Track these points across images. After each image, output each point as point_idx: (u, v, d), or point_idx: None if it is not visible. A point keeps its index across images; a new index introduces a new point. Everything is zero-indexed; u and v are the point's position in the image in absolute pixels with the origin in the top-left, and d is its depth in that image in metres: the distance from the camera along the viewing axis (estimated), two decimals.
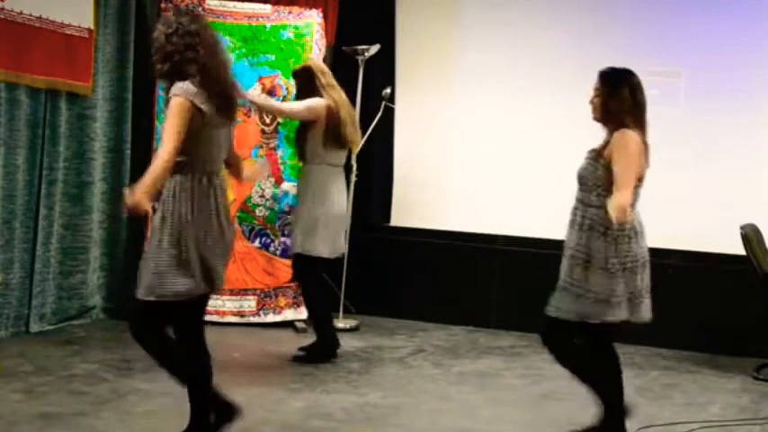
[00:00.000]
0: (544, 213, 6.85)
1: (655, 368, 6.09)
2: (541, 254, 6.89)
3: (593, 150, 4.21)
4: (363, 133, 6.49)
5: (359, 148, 6.48)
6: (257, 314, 6.72)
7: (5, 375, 5.01)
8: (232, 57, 6.20)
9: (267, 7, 6.84)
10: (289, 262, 6.29)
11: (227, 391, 4.02)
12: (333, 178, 5.82)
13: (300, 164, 5.97)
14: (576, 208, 4.22)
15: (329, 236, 5.75)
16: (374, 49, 6.93)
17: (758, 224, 6.12)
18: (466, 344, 6.64)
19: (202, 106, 3.68)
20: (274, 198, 6.73)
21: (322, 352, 5.79)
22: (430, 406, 5.00)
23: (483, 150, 7.37)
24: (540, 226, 6.90)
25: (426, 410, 4.91)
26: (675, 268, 6.44)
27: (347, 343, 6.14)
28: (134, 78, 6.76)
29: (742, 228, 5.92)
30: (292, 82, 6.25)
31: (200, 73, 3.72)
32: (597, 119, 4.24)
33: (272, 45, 6.76)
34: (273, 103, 6.24)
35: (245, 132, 6.58)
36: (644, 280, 4.18)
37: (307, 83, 5.81)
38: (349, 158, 6.21)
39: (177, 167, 3.71)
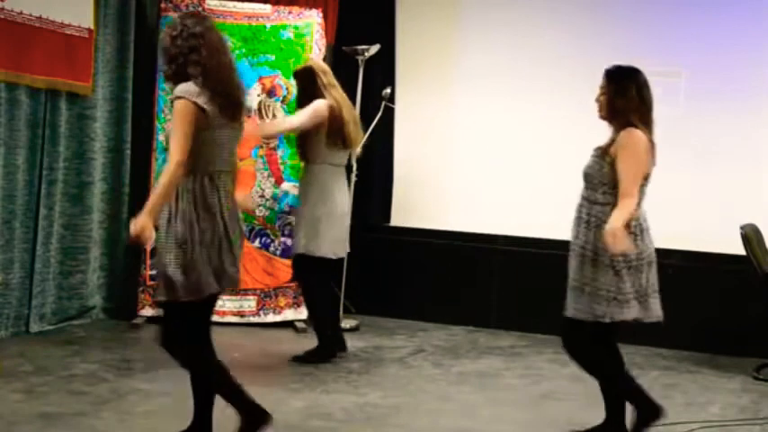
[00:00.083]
0: (544, 213, 6.86)
1: (655, 368, 6.09)
2: (541, 254, 6.91)
3: (599, 148, 4.19)
4: (363, 133, 6.48)
5: (360, 148, 6.47)
6: (257, 314, 6.72)
7: (5, 375, 5.01)
8: None
9: (267, 7, 6.84)
10: (289, 262, 6.28)
11: None
12: (335, 178, 5.81)
13: (302, 164, 5.96)
14: (581, 205, 4.20)
15: (332, 236, 5.74)
16: (374, 49, 6.93)
17: (758, 224, 6.12)
18: (466, 344, 6.64)
19: (205, 106, 3.69)
20: (274, 198, 6.74)
21: (323, 353, 5.79)
22: (430, 406, 5.00)
23: (483, 150, 7.37)
24: (540, 226, 6.91)
25: (426, 410, 4.91)
26: (675, 268, 6.43)
27: (347, 343, 6.13)
28: (134, 78, 6.76)
29: (742, 228, 5.92)
30: (293, 82, 6.25)
31: (203, 74, 3.73)
32: (603, 117, 4.22)
33: (272, 45, 6.76)
34: (282, 125, 6.26)
35: (245, 132, 6.56)
36: (650, 279, 4.16)
37: (308, 83, 5.80)
38: (349, 158, 6.20)
39: None
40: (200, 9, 6.54)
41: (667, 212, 6.20)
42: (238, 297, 6.64)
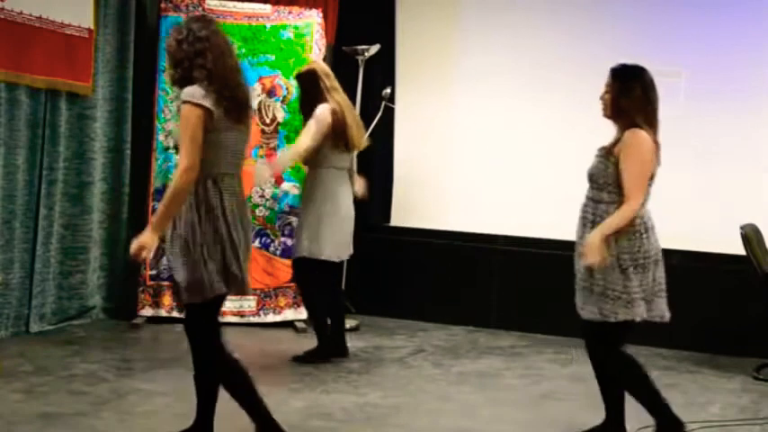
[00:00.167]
0: (544, 213, 6.87)
1: (655, 368, 6.06)
2: (541, 254, 6.91)
3: (603, 148, 4.18)
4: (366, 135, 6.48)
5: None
6: (257, 314, 6.72)
7: (5, 375, 5.01)
8: None
9: (267, 7, 6.84)
10: (289, 262, 6.28)
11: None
12: (339, 181, 5.79)
13: (305, 168, 5.94)
14: (586, 206, 4.19)
15: (336, 239, 5.72)
16: (374, 49, 6.93)
17: (758, 224, 6.12)
18: (466, 344, 6.64)
19: (211, 108, 3.70)
20: (274, 198, 6.73)
21: (322, 353, 5.78)
22: (430, 406, 5.00)
23: (483, 150, 7.37)
24: (540, 226, 6.91)
25: (426, 410, 4.91)
26: (675, 268, 6.43)
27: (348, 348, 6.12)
28: (134, 78, 6.76)
29: (742, 228, 5.92)
30: (293, 82, 6.24)
31: (209, 77, 3.73)
32: (607, 116, 4.20)
33: (272, 45, 6.76)
34: (295, 151, 5.81)
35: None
36: (656, 277, 4.15)
37: (311, 86, 5.76)
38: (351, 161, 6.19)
39: None
40: (200, 9, 6.55)
41: (667, 212, 6.16)
42: (238, 297, 6.62)
